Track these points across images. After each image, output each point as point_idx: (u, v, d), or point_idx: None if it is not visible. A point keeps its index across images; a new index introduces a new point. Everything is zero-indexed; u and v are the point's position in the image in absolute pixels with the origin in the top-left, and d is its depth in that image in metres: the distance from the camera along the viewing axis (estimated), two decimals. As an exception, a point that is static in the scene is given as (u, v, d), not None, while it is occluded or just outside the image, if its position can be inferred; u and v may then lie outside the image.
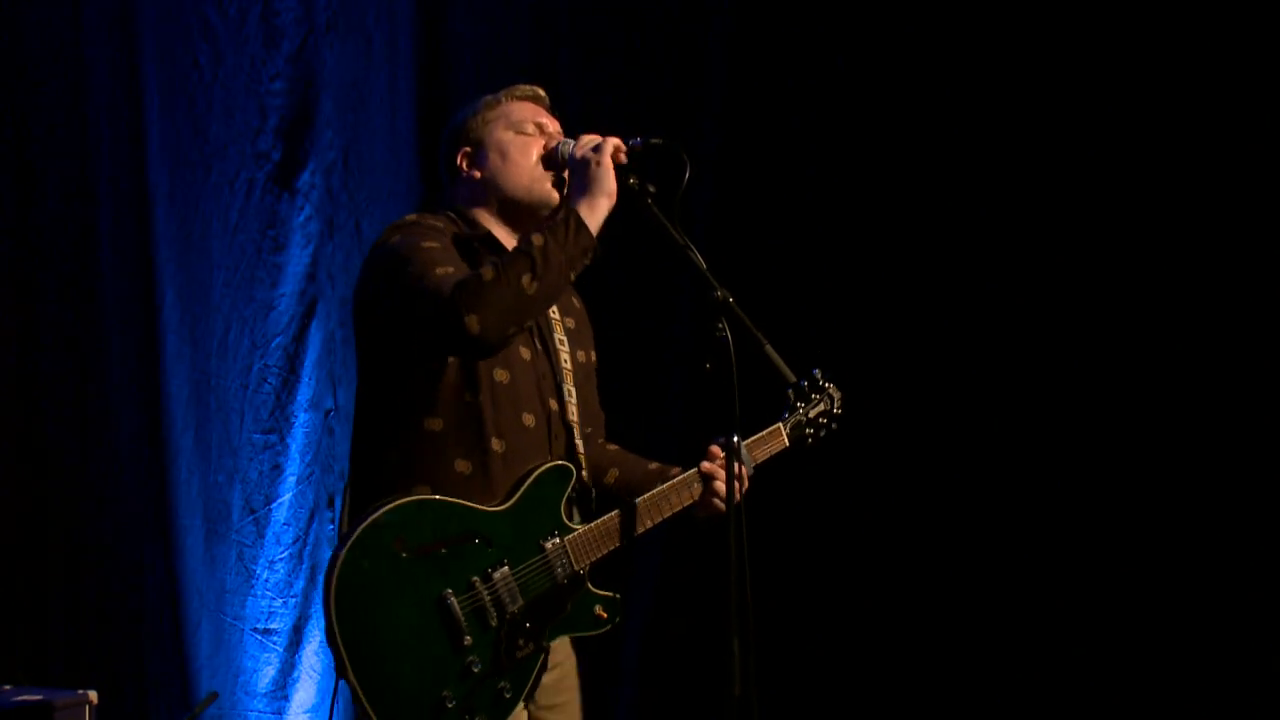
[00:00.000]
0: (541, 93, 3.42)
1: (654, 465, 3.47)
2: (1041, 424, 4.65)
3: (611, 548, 3.26)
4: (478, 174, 3.32)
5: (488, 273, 2.98)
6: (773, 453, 3.49)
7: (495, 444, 3.15)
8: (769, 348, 2.99)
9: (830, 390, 3.56)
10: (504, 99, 3.38)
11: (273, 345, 5.55)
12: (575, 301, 3.48)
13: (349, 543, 3.03)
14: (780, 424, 3.49)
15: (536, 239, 3.03)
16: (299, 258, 5.57)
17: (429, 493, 3.10)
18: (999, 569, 4.69)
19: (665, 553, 4.88)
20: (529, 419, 3.20)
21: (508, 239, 3.32)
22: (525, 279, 2.99)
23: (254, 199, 5.53)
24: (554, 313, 3.36)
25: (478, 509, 3.14)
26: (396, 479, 3.12)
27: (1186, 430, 4.46)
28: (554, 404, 3.24)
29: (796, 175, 4.89)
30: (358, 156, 5.53)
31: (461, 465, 3.13)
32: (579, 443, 3.29)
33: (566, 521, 3.23)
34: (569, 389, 3.28)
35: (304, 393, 5.52)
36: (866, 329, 4.82)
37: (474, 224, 3.31)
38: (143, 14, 5.59)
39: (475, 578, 3.12)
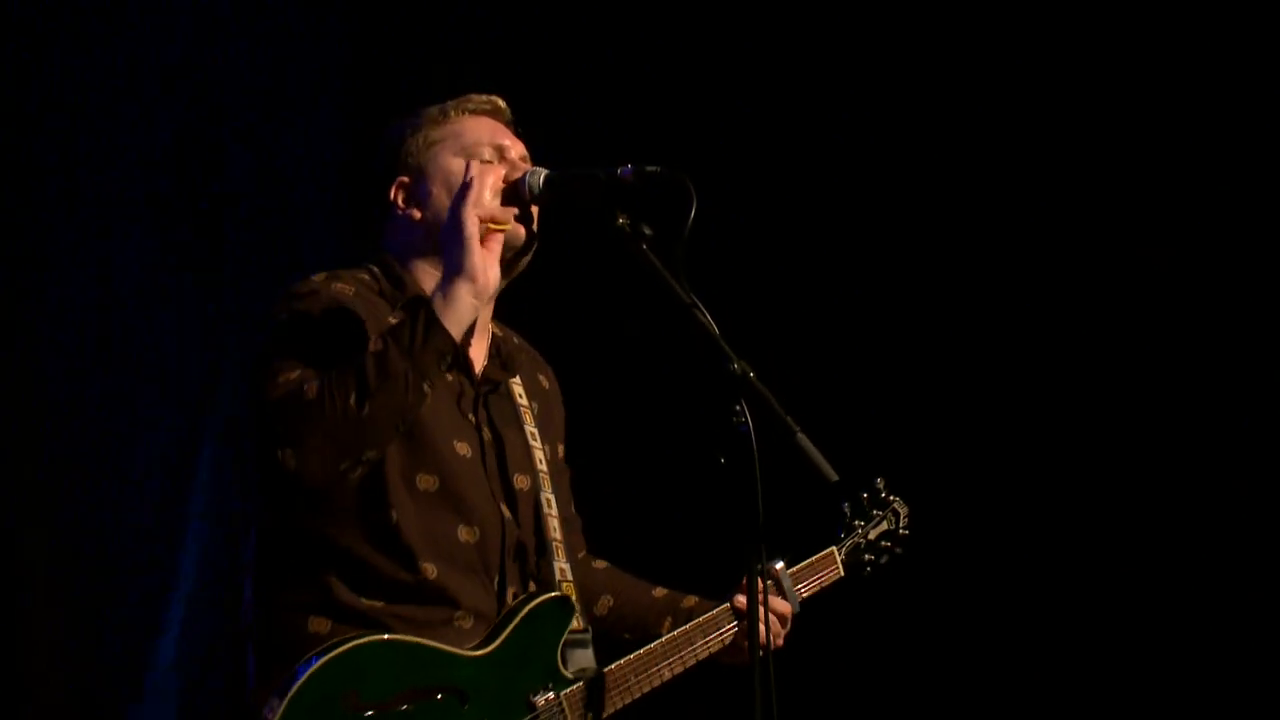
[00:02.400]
0: (501, 104, 3.24)
1: (659, 591, 3.39)
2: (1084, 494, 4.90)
3: (621, 705, 3.18)
4: (417, 213, 3.14)
5: (310, 389, 2.83)
6: (825, 584, 3.43)
7: (426, 568, 2.98)
8: (802, 436, 2.76)
9: (895, 505, 3.53)
10: (452, 113, 3.21)
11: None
12: (543, 379, 3.35)
13: (285, 701, 2.84)
14: (835, 548, 3.43)
15: (374, 344, 2.87)
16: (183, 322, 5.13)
17: (346, 631, 2.92)
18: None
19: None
20: (466, 534, 3.03)
21: None
22: (350, 399, 2.81)
23: (132, 241, 5.04)
24: (519, 394, 3.22)
25: (452, 653, 2.99)
26: (295, 611, 2.96)
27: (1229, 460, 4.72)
28: (507, 511, 3.08)
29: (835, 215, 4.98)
30: (281, 176, 5.22)
31: (371, 601, 2.95)
32: (562, 566, 3.14)
33: (562, 670, 3.08)
34: (547, 496, 3.15)
35: (195, 501, 5.10)
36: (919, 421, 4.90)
37: (402, 282, 3.10)
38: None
39: None
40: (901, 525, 3.64)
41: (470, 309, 2.90)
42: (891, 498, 3.63)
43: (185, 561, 5.09)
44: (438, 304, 2.90)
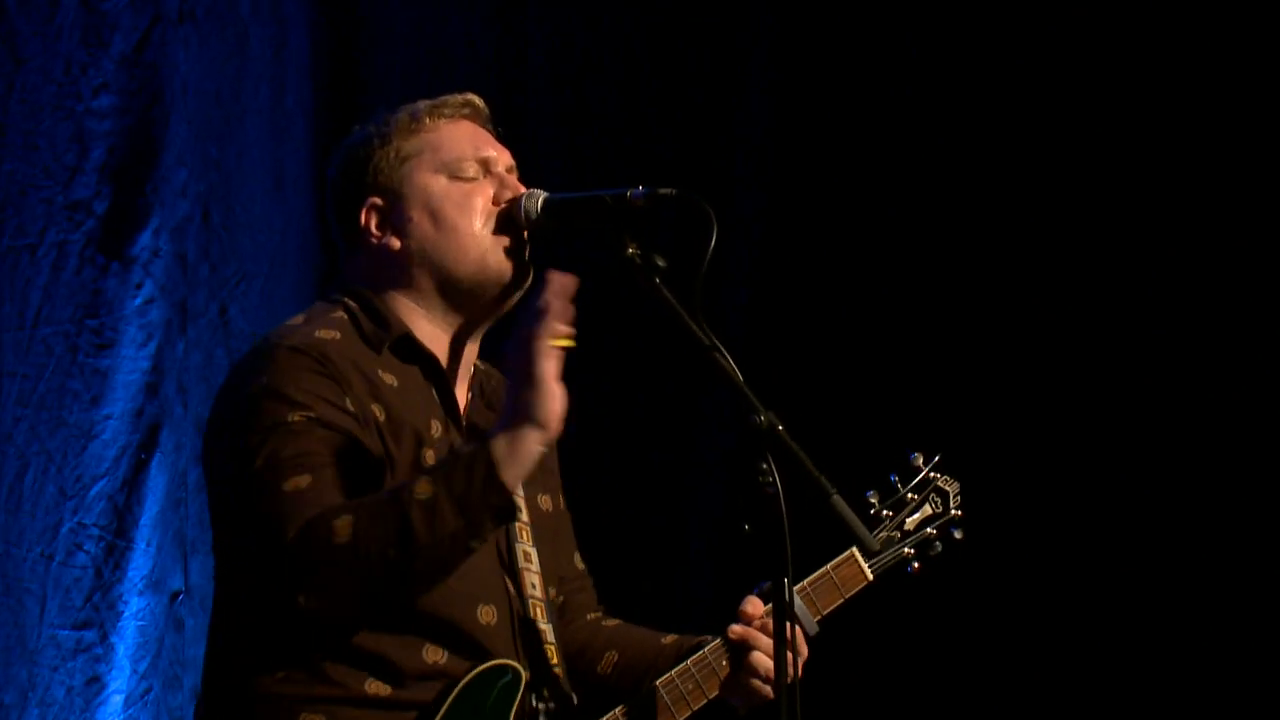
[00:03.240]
0: (479, 103, 3.19)
1: (669, 638, 3.31)
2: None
3: None
4: (395, 241, 3.07)
5: (342, 530, 2.78)
6: (848, 594, 3.30)
7: (431, 654, 2.93)
8: (838, 500, 2.75)
9: (940, 484, 3.38)
10: (426, 120, 3.13)
11: (92, 494, 5.02)
12: None
13: None
14: (855, 549, 3.29)
15: (422, 488, 2.80)
16: (134, 361, 5.07)
17: None
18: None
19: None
20: (488, 613, 2.99)
21: (436, 339, 3.09)
22: (390, 552, 2.79)
23: (65, 272, 4.99)
24: None
25: None
26: (278, 704, 2.92)
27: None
28: (510, 585, 3.06)
29: (867, 239, 5.06)
30: (225, 208, 5.18)
31: (376, 687, 2.92)
32: (544, 627, 3.09)
33: None
34: (525, 549, 3.10)
35: (138, 566, 5.03)
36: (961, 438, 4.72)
37: (385, 320, 3.05)
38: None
39: None
40: (953, 506, 3.46)
41: (535, 460, 2.83)
42: (934, 475, 3.46)
43: (119, 647, 5.00)
44: (500, 452, 2.80)
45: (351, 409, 2.96)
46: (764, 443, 2.80)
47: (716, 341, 2.88)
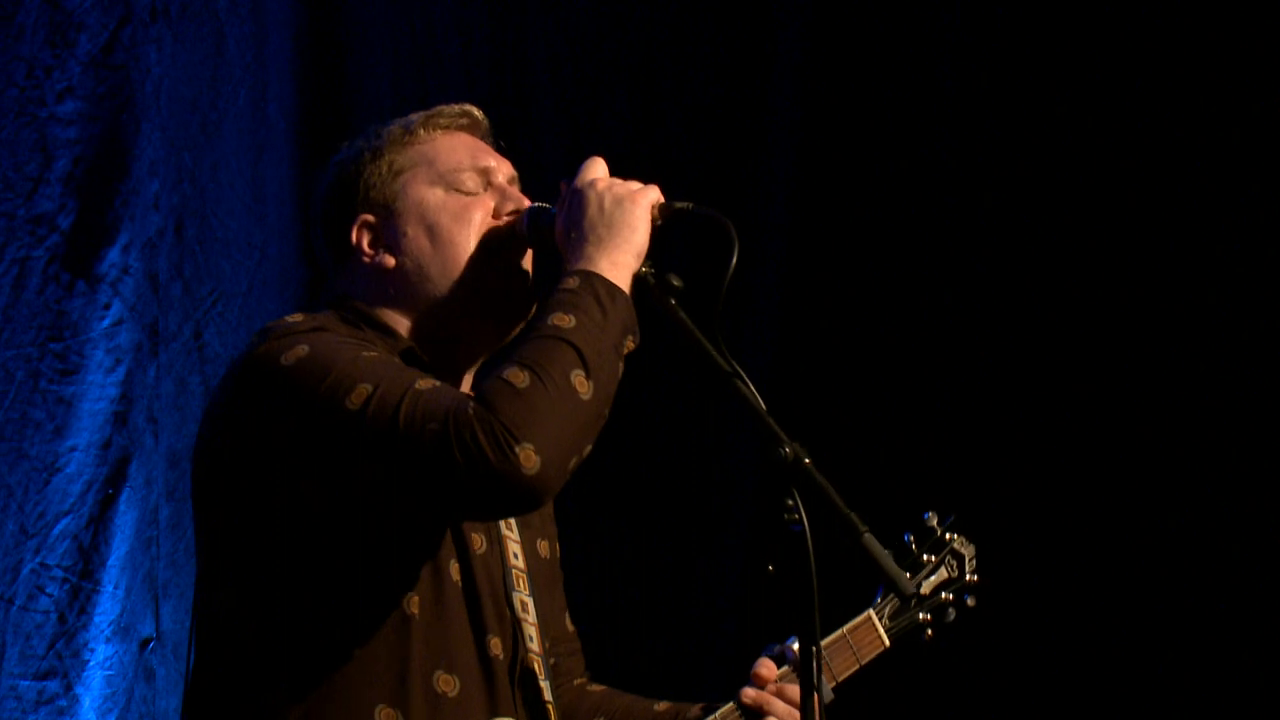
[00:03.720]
0: (478, 114, 3.17)
1: (661, 705, 3.33)
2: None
3: None
4: (389, 260, 3.04)
5: (517, 375, 2.72)
6: (864, 660, 3.31)
7: (444, 683, 2.91)
8: (869, 538, 2.71)
9: (956, 545, 3.39)
10: (420, 131, 3.12)
11: (55, 533, 4.93)
12: None
13: None
14: (871, 611, 3.31)
15: (561, 318, 2.80)
16: (101, 388, 4.97)
17: None
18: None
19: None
20: (447, 682, 2.93)
21: (435, 359, 3.01)
22: (578, 377, 2.76)
23: (27, 291, 4.90)
24: None
25: None
26: None
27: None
28: (497, 644, 2.99)
29: (901, 258, 5.05)
30: (201, 223, 5.08)
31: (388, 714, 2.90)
32: (543, 685, 3.06)
33: None
34: (522, 598, 3.06)
35: (105, 611, 4.91)
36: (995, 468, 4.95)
37: (390, 329, 3.02)
38: None
39: None
40: (968, 570, 3.47)
41: (630, 282, 2.88)
42: (950, 536, 3.46)
43: (84, 699, 4.90)
44: (605, 267, 2.87)
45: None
46: (789, 477, 2.76)
47: (738, 368, 2.84)
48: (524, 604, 3.09)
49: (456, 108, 3.16)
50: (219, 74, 5.10)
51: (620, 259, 2.88)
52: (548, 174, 3.14)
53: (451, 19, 5.23)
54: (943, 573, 3.45)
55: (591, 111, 5.25)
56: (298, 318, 2.96)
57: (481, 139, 3.16)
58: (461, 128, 3.15)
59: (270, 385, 2.85)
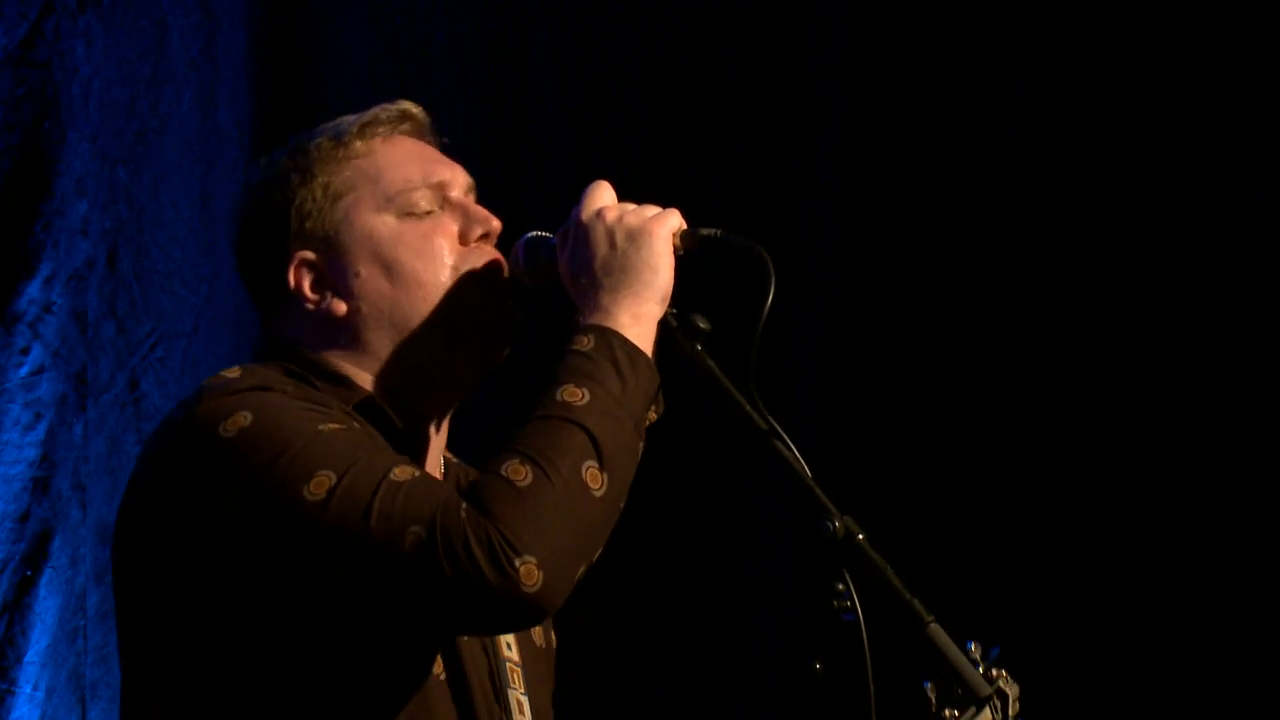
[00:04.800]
0: (416, 111, 2.90)
1: None
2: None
3: None
4: (340, 306, 2.77)
5: (518, 470, 2.55)
6: None
7: None
8: (936, 628, 2.50)
9: (1001, 684, 2.92)
10: (355, 142, 2.84)
11: None
12: None
13: None
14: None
15: (572, 392, 2.61)
16: (18, 449, 4.76)
17: None
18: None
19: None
20: None
21: (401, 415, 2.79)
22: (590, 470, 2.59)
23: None
24: None
25: None
26: None
27: None
28: None
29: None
30: (138, 251, 4.84)
31: None
32: None
33: None
34: (517, 696, 2.86)
35: (23, 716, 4.76)
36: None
37: (344, 379, 2.76)
38: None
39: None
40: (1012, 713, 3.07)
41: (653, 332, 2.78)
42: (996, 672, 3.05)
43: None
44: (626, 321, 2.73)
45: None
46: (839, 555, 2.58)
47: (776, 425, 2.64)
48: (520, 704, 2.90)
49: (393, 108, 2.91)
50: (160, 73, 4.85)
51: (642, 309, 2.71)
52: (547, 185, 3.20)
53: (440, 7, 4.94)
54: (987, 714, 3.12)
55: (600, 113, 5.04)
56: (235, 372, 2.72)
57: (426, 141, 2.94)
58: (403, 133, 2.90)
59: (206, 463, 2.61)
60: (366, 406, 2.74)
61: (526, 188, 3.19)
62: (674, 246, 2.77)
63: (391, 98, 3.05)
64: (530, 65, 5.00)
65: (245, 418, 2.62)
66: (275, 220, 2.83)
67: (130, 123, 4.80)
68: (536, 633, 3.02)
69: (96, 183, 4.80)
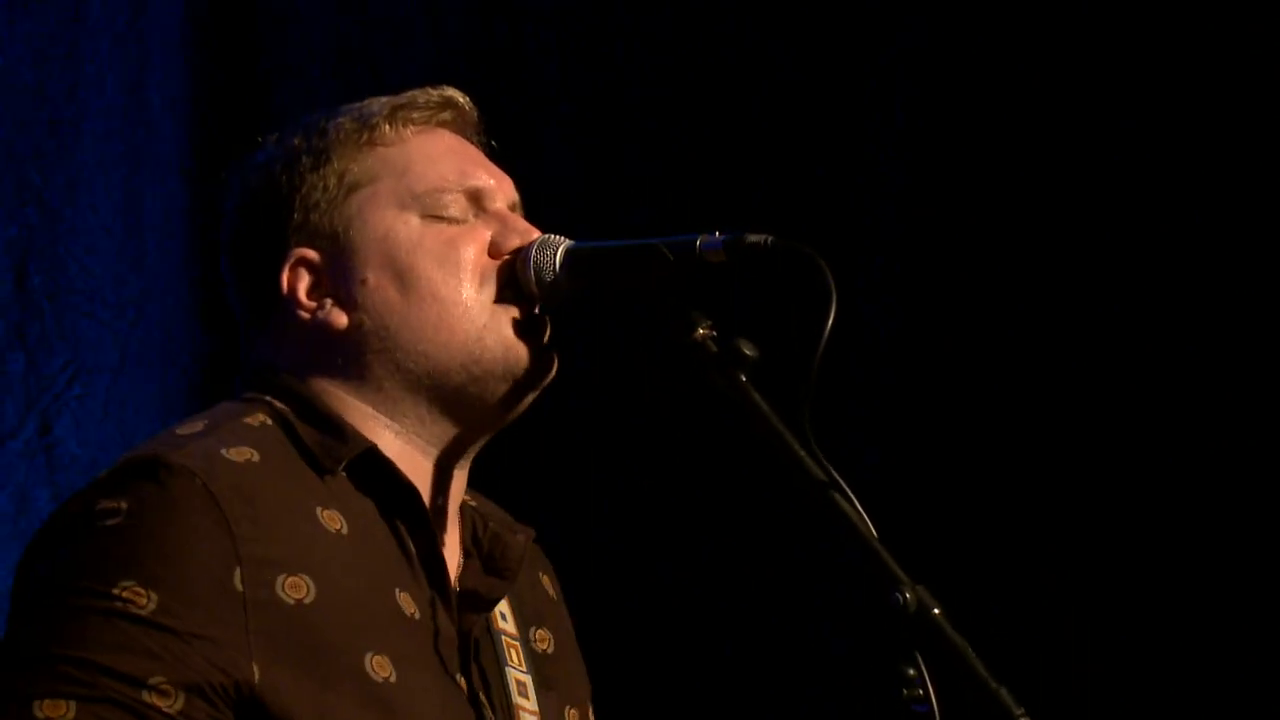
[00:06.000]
0: (463, 101, 2.71)
1: None
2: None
3: None
4: (340, 318, 2.62)
5: None
6: None
7: None
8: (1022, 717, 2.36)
9: None
10: (384, 126, 2.68)
11: None
12: (547, 583, 2.89)
13: None
14: None
15: None
16: None
17: None
18: None
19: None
20: None
21: (407, 464, 2.60)
22: None
23: None
24: (499, 615, 2.71)
25: None
26: None
27: None
28: None
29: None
30: (52, 266, 4.52)
31: None
32: None
33: None
34: None
35: None
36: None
37: (333, 424, 2.58)
38: None
39: None
40: None
41: None
42: None
43: None
44: None
45: (247, 635, 2.35)
46: (911, 634, 2.40)
47: (836, 475, 2.45)
48: None
49: (435, 94, 2.73)
50: (78, 51, 4.52)
51: None
52: (549, 190, 2.86)
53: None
54: None
55: (610, 108, 4.72)
56: (196, 426, 2.54)
57: (469, 139, 2.74)
58: (442, 123, 2.73)
59: (18, 577, 2.41)
60: (364, 457, 2.55)
61: (521, 186, 2.79)
62: (714, 257, 2.60)
63: (359, 72, 3.15)
64: (525, 56, 4.68)
65: (112, 526, 2.38)
66: (275, 207, 2.65)
67: (41, 112, 4.50)
68: (572, 714, 2.87)
69: (8, 184, 4.50)
